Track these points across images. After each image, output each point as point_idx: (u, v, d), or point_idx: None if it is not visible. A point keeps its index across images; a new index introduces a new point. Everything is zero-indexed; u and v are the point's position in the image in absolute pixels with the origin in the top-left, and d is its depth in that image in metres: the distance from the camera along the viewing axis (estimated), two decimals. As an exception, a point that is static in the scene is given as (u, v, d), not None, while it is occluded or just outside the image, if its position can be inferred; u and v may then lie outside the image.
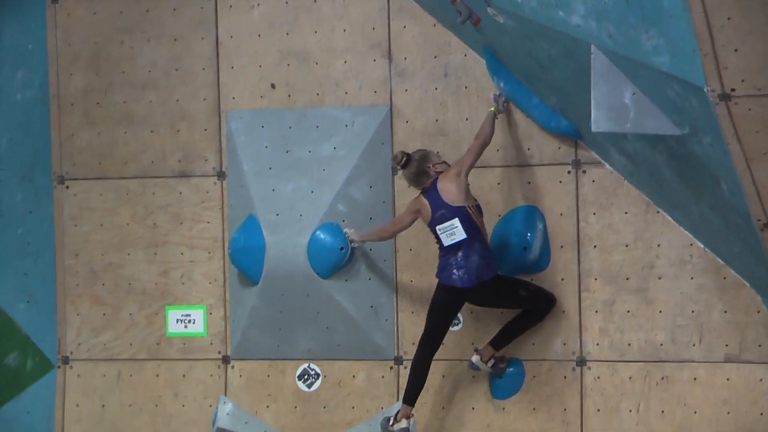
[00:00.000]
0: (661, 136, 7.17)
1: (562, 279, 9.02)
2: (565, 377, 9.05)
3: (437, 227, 8.55)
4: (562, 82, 8.25)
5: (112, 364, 10.06)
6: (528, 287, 8.84)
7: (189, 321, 9.90)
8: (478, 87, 9.18)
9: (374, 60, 9.44)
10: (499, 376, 9.10)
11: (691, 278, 8.73)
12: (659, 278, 8.82)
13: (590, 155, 8.95)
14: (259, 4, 9.65)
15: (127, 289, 10.01)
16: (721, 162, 6.79)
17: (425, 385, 8.88)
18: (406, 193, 9.30)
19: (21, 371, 10.11)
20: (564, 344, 9.03)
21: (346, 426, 9.54)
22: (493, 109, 8.84)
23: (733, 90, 6.34)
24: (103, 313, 10.05)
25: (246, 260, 9.49)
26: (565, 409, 9.05)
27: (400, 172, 8.94)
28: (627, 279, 8.89)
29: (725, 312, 8.67)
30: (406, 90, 9.38)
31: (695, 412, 8.73)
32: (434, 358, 8.84)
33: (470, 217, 8.48)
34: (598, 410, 8.97)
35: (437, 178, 8.62)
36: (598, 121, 7.11)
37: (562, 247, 9.03)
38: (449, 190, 8.51)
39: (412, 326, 9.36)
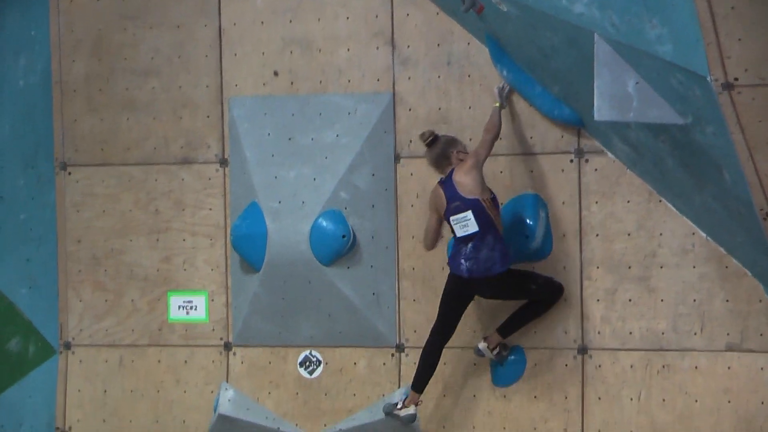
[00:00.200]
0: (664, 125, 7.17)
1: (564, 267, 9.02)
2: (566, 365, 9.06)
3: (451, 218, 8.56)
4: (565, 71, 8.25)
5: (114, 350, 10.07)
6: (537, 279, 8.83)
7: (191, 307, 9.91)
8: (481, 75, 9.17)
9: (377, 48, 9.43)
10: (501, 364, 9.12)
11: (693, 267, 8.74)
12: (661, 267, 8.82)
13: (593, 144, 8.94)
14: (262, -9, 9.67)
15: (129, 275, 10.02)
16: (724, 151, 6.79)
17: (429, 373, 8.94)
18: (409, 181, 9.31)
19: (23, 356, 10.13)
20: (566, 332, 9.04)
21: (347, 413, 9.56)
22: (497, 104, 8.83)
23: (736, 79, 6.35)
24: (105, 299, 10.06)
25: (248, 247, 9.50)
26: (566, 397, 9.06)
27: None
28: (629, 268, 8.89)
29: (727, 301, 8.67)
30: (409, 78, 9.37)
31: (696, 401, 8.75)
32: (438, 346, 8.89)
33: (484, 210, 8.47)
34: (599, 398, 8.98)
35: (454, 169, 8.60)
36: (601, 110, 7.12)
37: (564, 235, 9.03)
38: (464, 182, 8.50)
39: (414, 314, 9.38)
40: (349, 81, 9.49)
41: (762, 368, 8.59)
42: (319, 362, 9.64)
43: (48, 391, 10.16)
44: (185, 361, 9.94)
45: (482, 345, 8.95)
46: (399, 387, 9.41)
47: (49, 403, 10.16)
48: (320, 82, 9.54)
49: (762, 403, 8.58)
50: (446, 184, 8.61)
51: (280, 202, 9.45)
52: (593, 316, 8.99)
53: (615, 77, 7.07)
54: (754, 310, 8.61)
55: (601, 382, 8.99)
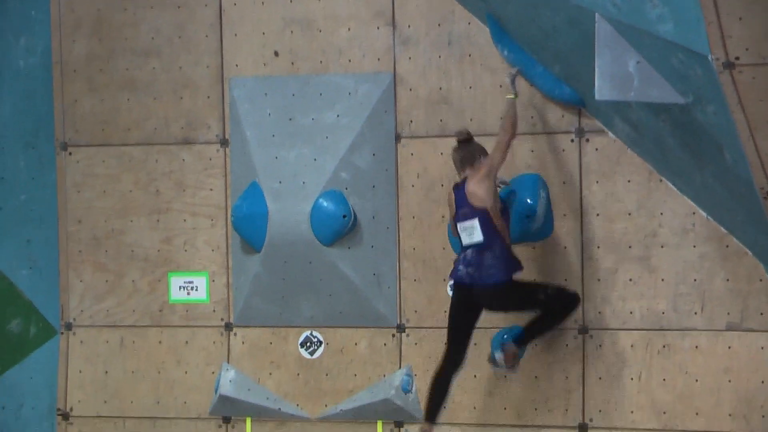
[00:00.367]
0: (665, 104, 7.17)
1: (565, 247, 9.03)
2: (567, 345, 9.06)
3: (459, 224, 8.50)
4: (566, 51, 8.24)
5: (115, 331, 10.08)
6: (547, 290, 8.61)
7: (192, 288, 9.92)
8: (482, 55, 9.16)
9: (378, 27, 9.41)
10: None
11: (694, 247, 8.74)
12: (662, 246, 8.82)
13: (594, 123, 8.93)
14: (262, -29, 9.65)
15: (130, 256, 10.02)
16: (725, 130, 6.79)
17: (429, 355, 8.89)
18: (409, 161, 9.31)
19: (24, 337, 10.14)
20: (566, 312, 9.05)
21: (348, 393, 9.57)
22: (511, 96, 8.64)
23: (737, 58, 6.34)
24: (105, 280, 10.07)
25: (249, 227, 9.50)
26: (567, 377, 9.07)
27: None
28: (629, 247, 8.89)
29: (727, 280, 8.68)
30: (410, 58, 9.36)
31: (696, 381, 8.76)
32: (438, 325, 8.85)
33: (490, 221, 8.36)
34: (600, 378, 8.99)
35: (468, 176, 8.52)
36: (602, 90, 7.13)
37: (565, 215, 9.03)
38: (475, 192, 8.37)
39: (415, 294, 9.38)
40: (349, 61, 9.47)
41: (762, 347, 8.60)
42: (320, 343, 9.64)
43: (49, 372, 10.17)
44: (186, 342, 9.95)
45: (499, 356, 8.74)
46: (400, 367, 9.42)
47: (50, 384, 10.17)
48: (321, 62, 9.52)
49: (762, 382, 8.60)
50: (458, 190, 8.54)
51: (280, 183, 9.44)
52: (594, 296, 8.99)
53: (616, 57, 7.06)
54: (754, 289, 8.61)
55: (602, 362, 8.99)
